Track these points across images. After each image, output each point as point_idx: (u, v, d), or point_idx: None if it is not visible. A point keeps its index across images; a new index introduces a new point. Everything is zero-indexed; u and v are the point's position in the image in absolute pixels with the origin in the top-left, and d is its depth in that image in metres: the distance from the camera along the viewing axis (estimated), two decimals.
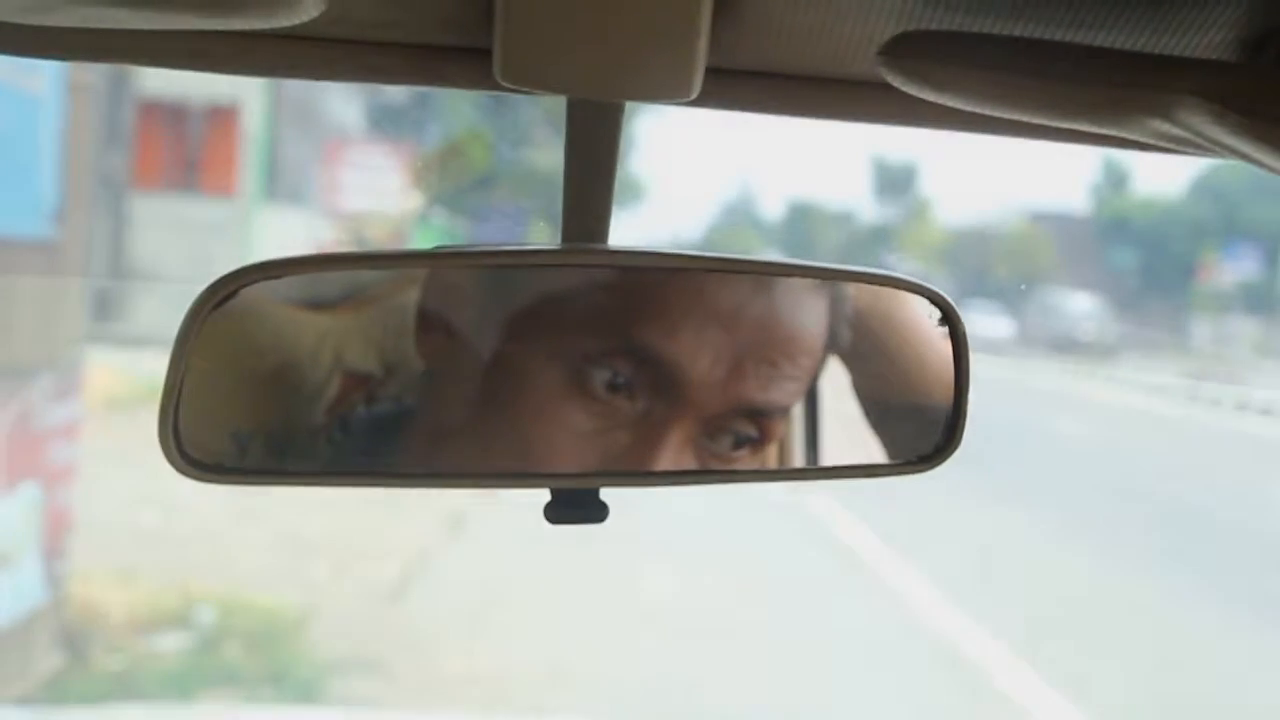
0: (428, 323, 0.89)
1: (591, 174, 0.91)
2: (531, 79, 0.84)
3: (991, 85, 0.78)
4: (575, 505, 0.92)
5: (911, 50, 0.79)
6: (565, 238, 0.92)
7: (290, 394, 0.89)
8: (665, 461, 0.89)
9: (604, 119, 0.89)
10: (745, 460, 0.91)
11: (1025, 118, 0.80)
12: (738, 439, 0.91)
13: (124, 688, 5.15)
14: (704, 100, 0.89)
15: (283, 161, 15.04)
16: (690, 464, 0.90)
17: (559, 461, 0.91)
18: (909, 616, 6.56)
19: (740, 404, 0.90)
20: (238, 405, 0.90)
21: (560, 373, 0.88)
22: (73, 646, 5.29)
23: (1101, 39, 0.80)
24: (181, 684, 5.21)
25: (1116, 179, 26.70)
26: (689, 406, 0.88)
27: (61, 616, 5.28)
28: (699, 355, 0.88)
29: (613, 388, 0.87)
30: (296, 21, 0.74)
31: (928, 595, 6.82)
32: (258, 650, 5.51)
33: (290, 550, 6.66)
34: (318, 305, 0.89)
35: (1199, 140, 0.76)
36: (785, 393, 0.92)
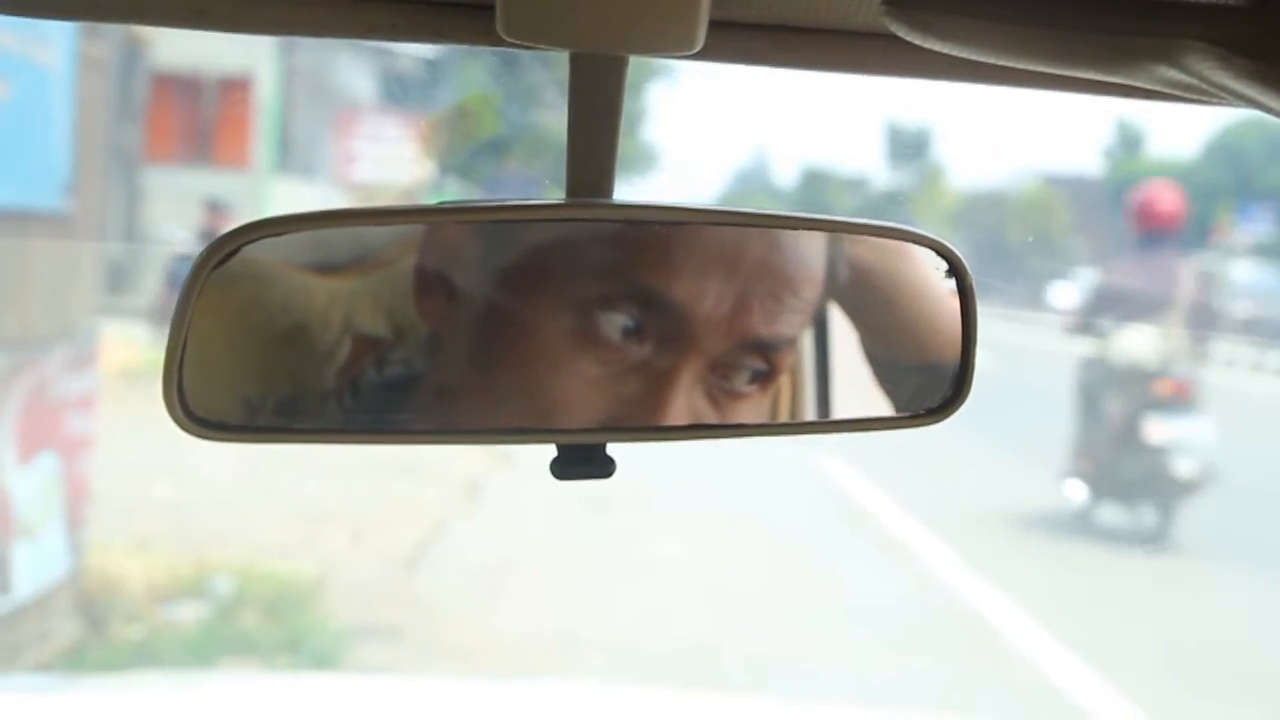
0: (426, 283, 0.89)
1: (595, 129, 0.90)
2: (534, 33, 0.84)
3: (996, 34, 0.78)
4: (582, 461, 0.92)
5: (916, 0, 0.78)
6: (569, 193, 0.91)
7: (300, 356, 0.89)
8: (677, 404, 0.89)
9: (607, 73, 0.88)
10: (755, 396, 0.92)
11: (1031, 67, 0.79)
12: (749, 374, 0.91)
13: (142, 657, 5.19)
14: (707, 53, 0.88)
15: (295, 132, 15.03)
16: (701, 405, 0.90)
17: (566, 417, 0.91)
18: None
19: (747, 339, 0.90)
20: (245, 365, 0.90)
21: (567, 321, 0.88)
22: (90, 616, 5.34)
23: None
24: (199, 652, 5.25)
25: (1130, 141, 26.53)
26: (697, 346, 0.88)
27: (79, 586, 5.32)
28: (703, 295, 0.88)
29: (623, 332, 0.87)
30: None
31: None
32: (274, 618, 5.54)
33: (306, 519, 6.70)
34: (327, 269, 0.89)
35: (1206, 86, 0.75)
36: (790, 324, 0.92)
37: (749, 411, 0.92)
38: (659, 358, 0.88)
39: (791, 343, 0.92)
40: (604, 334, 0.88)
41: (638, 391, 0.89)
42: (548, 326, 0.88)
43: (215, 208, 11.40)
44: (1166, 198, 7.47)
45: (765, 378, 0.92)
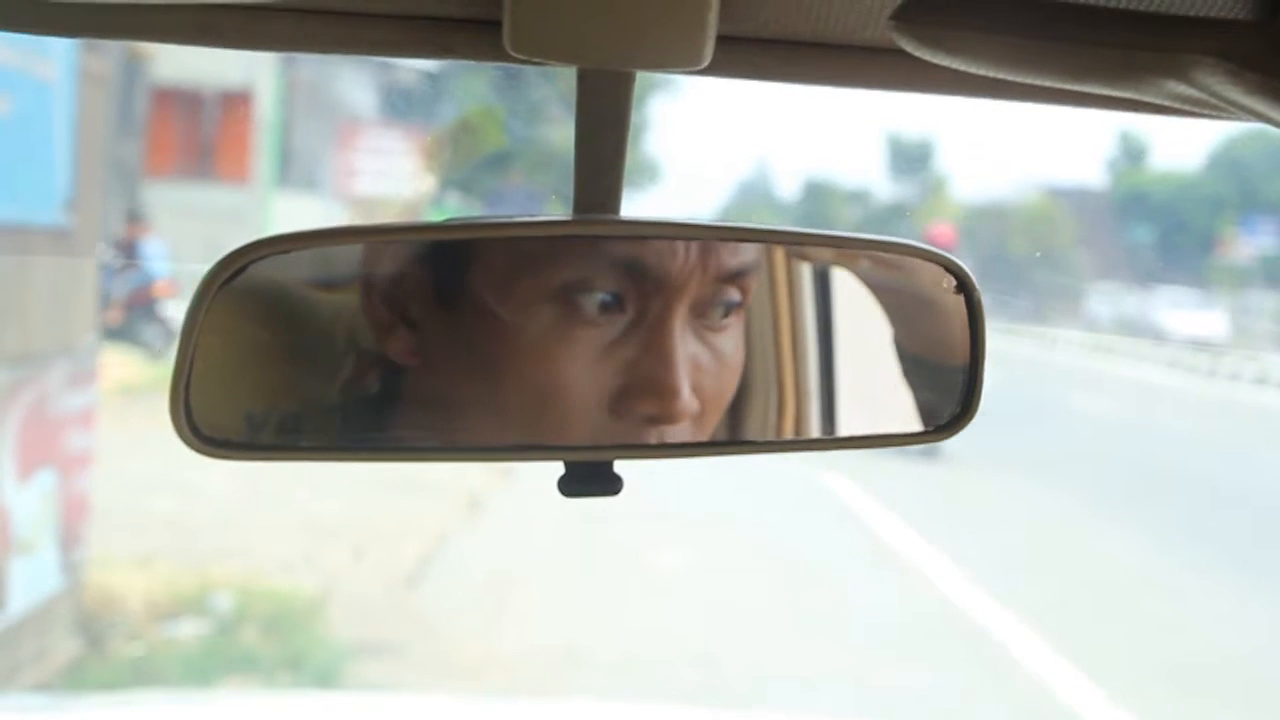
0: (377, 302, 0.89)
1: (602, 144, 0.90)
2: (541, 50, 0.84)
3: (1005, 49, 0.77)
4: (589, 478, 0.92)
5: (924, 14, 0.78)
6: (577, 208, 0.91)
7: (305, 373, 0.90)
8: (680, 354, 0.91)
9: (614, 89, 0.88)
10: (733, 326, 0.94)
11: (1039, 81, 0.79)
12: (723, 309, 0.94)
13: (142, 674, 5.18)
14: (715, 69, 0.88)
15: (296, 147, 15.05)
16: (697, 349, 0.92)
17: (573, 434, 0.91)
18: None
19: (720, 273, 0.93)
20: (251, 382, 0.90)
21: (549, 314, 0.89)
22: (90, 633, 5.32)
23: (1116, 0, 0.79)
24: (200, 670, 5.23)
25: (1134, 153, 26.56)
26: (679, 294, 0.91)
27: (79, 603, 5.30)
28: (673, 250, 0.91)
29: (604, 307, 0.89)
30: None
31: None
32: (275, 636, 5.53)
33: (307, 535, 6.68)
34: (332, 285, 0.90)
35: (1215, 101, 0.75)
36: (753, 249, 0.95)
37: (731, 345, 0.94)
38: (647, 317, 0.90)
39: (757, 266, 0.95)
40: (589, 314, 0.89)
41: (637, 353, 0.90)
42: (531, 324, 0.89)
43: (136, 219, 11.22)
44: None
45: (738, 306, 0.94)
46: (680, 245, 0.91)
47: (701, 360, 0.92)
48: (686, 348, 0.91)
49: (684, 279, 0.90)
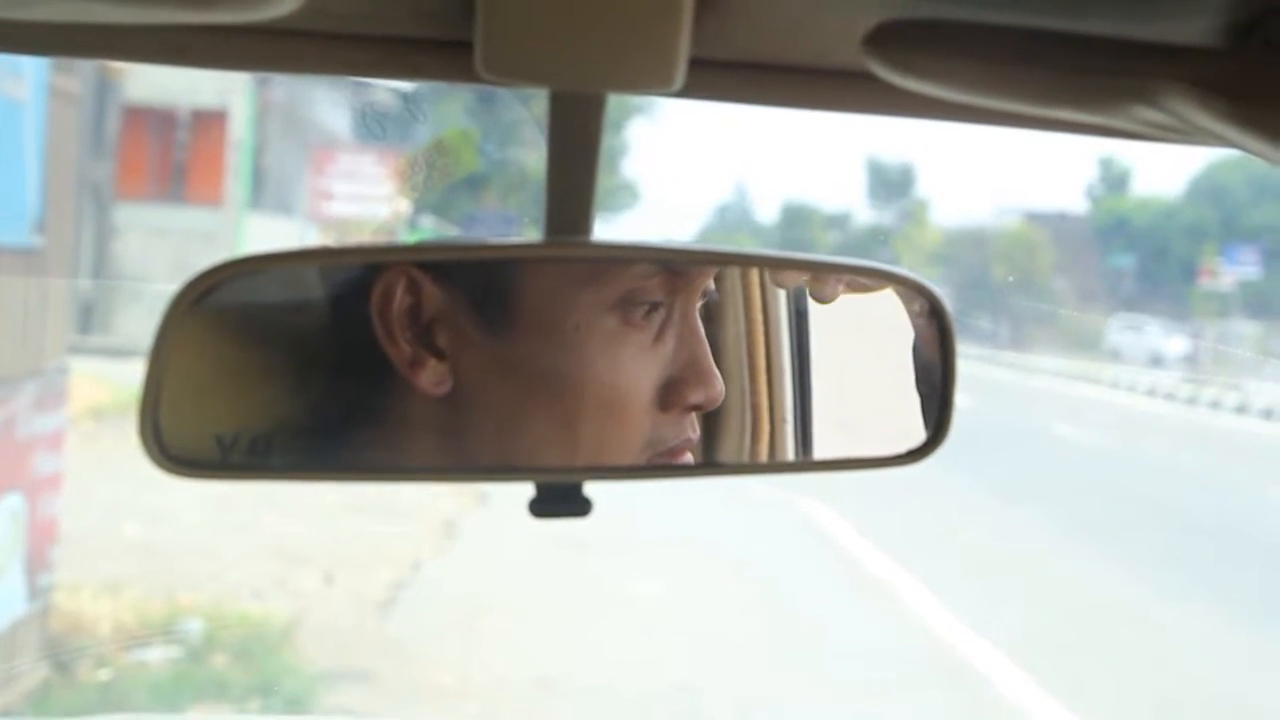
0: (399, 339, 0.89)
1: (574, 167, 0.90)
2: (513, 71, 0.83)
3: (976, 74, 0.78)
4: (560, 500, 0.91)
5: (895, 39, 0.78)
6: (548, 230, 0.91)
7: (275, 394, 0.89)
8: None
9: (586, 111, 0.88)
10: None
11: (1010, 107, 0.79)
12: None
13: (110, 700, 5.12)
14: (687, 91, 0.88)
15: (269, 168, 15.00)
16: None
17: (543, 455, 0.91)
18: None
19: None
20: (220, 402, 0.90)
21: (610, 321, 0.91)
22: (58, 659, 5.25)
23: (1086, 27, 0.80)
24: (169, 696, 5.17)
25: (1114, 179, 26.79)
26: (701, 282, 0.94)
27: (47, 628, 5.24)
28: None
29: (651, 309, 0.92)
30: (274, 15, 0.74)
31: None
32: (246, 661, 5.47)
33: (278, 560, 6.63)
34: (302, 307, 0.89)
35: (1184, 127, 0.76)
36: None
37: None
38: (675, 307, 0.93)
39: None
40: (637, 320, 0.92)
41: (674, 348, 0.93)
42: (580, 327, 0.90)
43: None
44: None
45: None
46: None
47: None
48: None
49: (702, 271, 0.94)
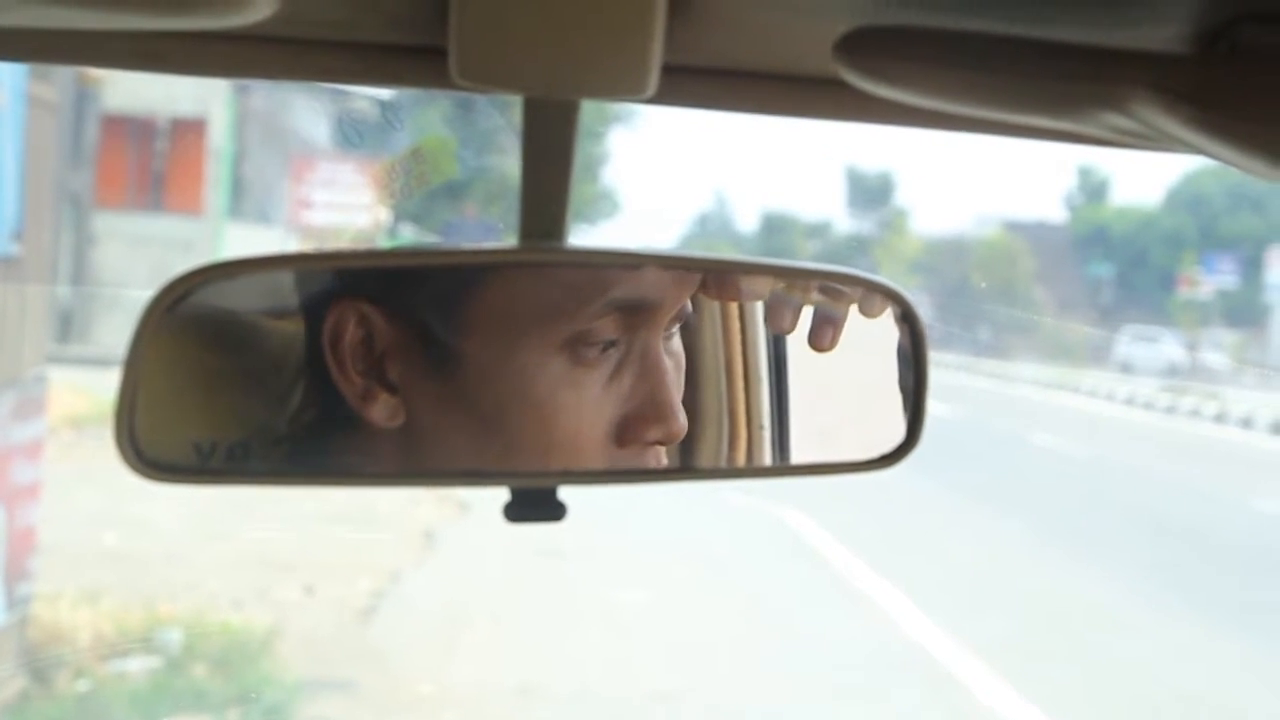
0: (350, 371, 0.89)
1: (548, 173, 0.90)
2: (487, 78, 0.84)
3: (945, 81, 0.78)
4: (534, 504, 0.92)
5: (866, 46, 0.79)
6: (523, 236, 0.91)
7: (252, 399, 0.89)
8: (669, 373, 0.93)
9: (560, 117, 0.89)
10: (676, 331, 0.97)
11: (979, 113, 0.80)
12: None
13: (89, 711, 5.08)
14: (661, 98, 0.89)
15: (248, 177, 14.96)
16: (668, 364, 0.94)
17: (518, 460, 0.91)
18: None
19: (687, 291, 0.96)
20: (197, 408, 0.90)
21: (558, 362, 0.90)
22: (36, 669, 5.22)
23: (1055, 34, 0.80)
24: (148, 707, 5.14)
25: (1092, 188, 26.90)
26: (664, 316, 0.94)
27: (25, 638, 5.21)
28: (659, 282, 0.94)
29: (606, 347, 0.92)
30: (249, 21, 0.74)
31: None
32: (226, 671, 5.45)
33: (258, 569, 6.60)
34: (279, 313, 0.89)
35: (1152, 133, 0.76)
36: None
37: (678, 346, 0.95)
38: (634, 344, 0.93)
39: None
40: (590, 359, 0.91)
41: (632, 384, 0.92)
42: (541, 369, 0.90)
43: None
44: None
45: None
46: (663, 278, 0.92)
47: (674, 375, 0.95)
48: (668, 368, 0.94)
49: (668, 305, 0.93)
